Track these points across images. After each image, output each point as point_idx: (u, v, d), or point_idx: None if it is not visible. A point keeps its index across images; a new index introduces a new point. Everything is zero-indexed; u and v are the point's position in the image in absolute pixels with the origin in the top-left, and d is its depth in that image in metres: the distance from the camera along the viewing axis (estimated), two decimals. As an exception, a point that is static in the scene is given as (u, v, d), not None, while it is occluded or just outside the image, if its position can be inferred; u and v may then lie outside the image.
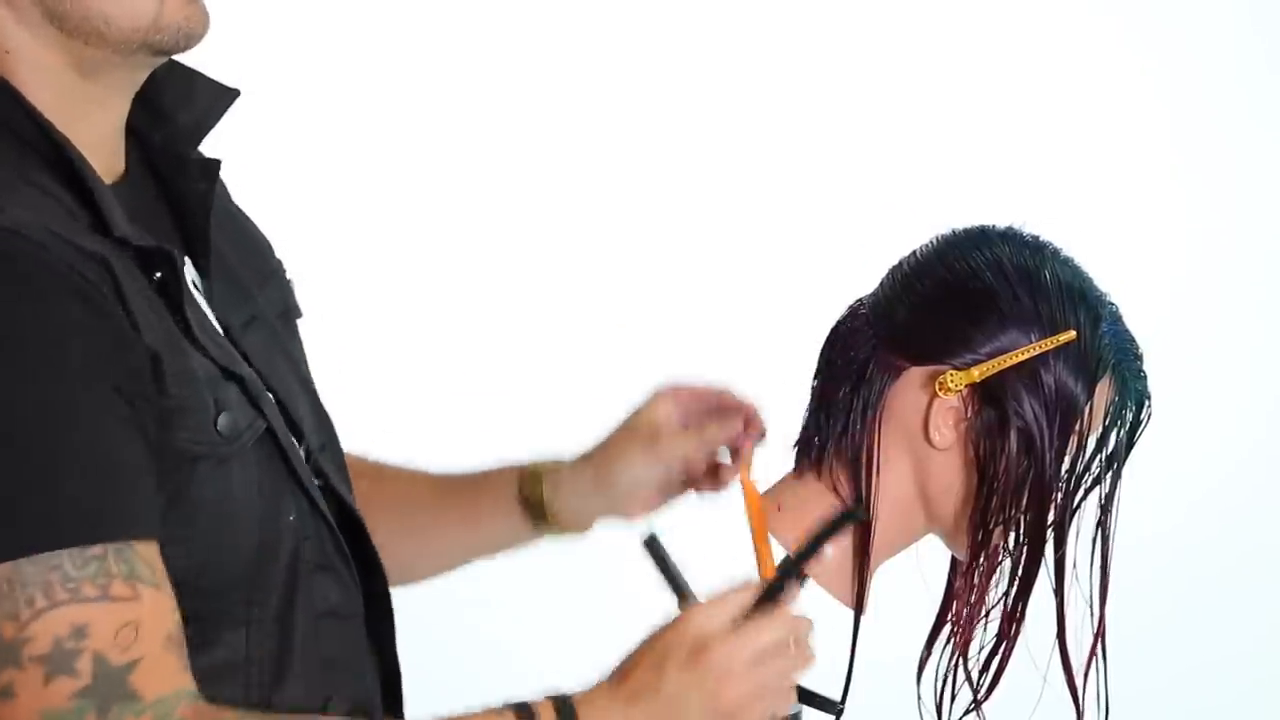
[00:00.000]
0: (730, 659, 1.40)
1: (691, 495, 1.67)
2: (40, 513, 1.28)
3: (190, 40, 1.40)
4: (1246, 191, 3.48)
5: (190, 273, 1.45)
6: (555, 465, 1.70)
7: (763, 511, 1.59)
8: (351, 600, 1.53)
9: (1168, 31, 3.44)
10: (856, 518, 1.46)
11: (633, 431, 1.65)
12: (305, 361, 1.60)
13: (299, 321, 1.63)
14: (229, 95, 1.53)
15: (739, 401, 1.64)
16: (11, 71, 1.38)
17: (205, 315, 1.44)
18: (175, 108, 1.50)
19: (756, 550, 1.56)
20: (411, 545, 1.74)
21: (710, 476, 1.65)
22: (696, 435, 1.63)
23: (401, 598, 1.63)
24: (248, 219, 1.62)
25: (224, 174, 1.61)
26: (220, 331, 1.46)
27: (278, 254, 1.64)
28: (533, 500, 1.70)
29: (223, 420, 1.40)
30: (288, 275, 1.63)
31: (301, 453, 1.49)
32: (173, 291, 1.39)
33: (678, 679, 1.40)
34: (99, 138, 1.42)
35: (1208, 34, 3.44)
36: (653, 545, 1.54)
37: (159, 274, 1.38)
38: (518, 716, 1.40)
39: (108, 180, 1.42)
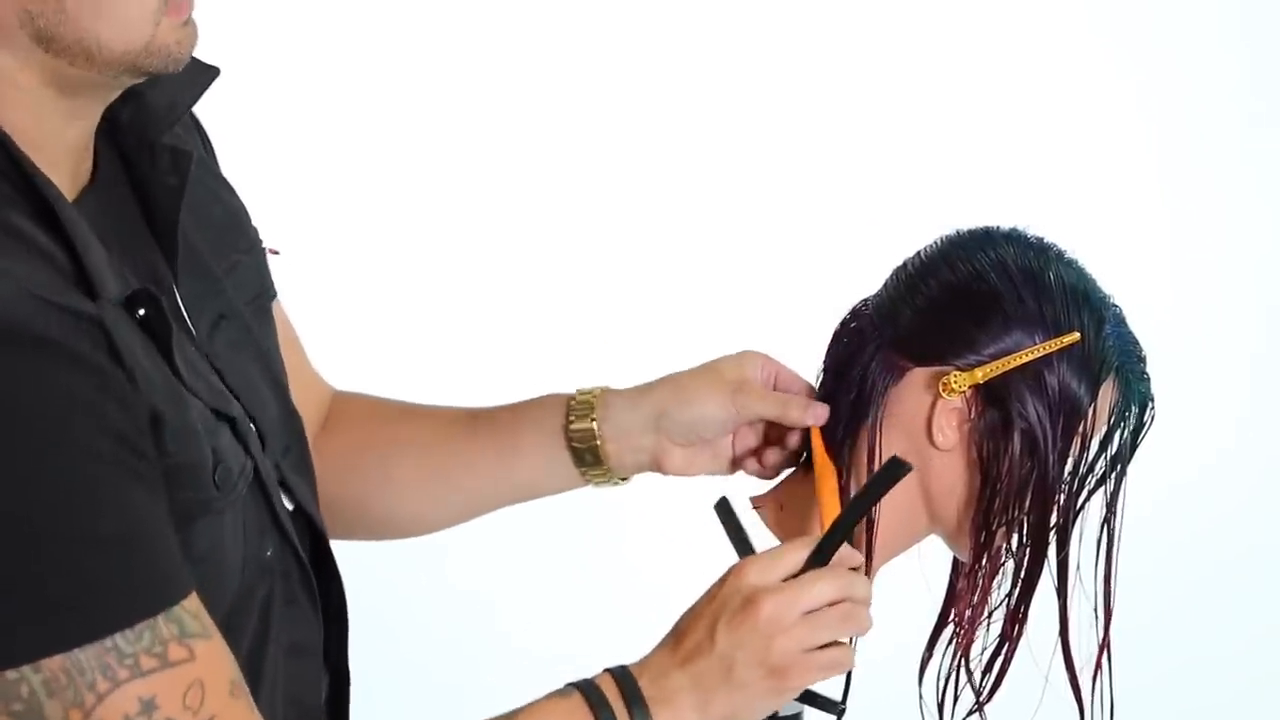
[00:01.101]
0: (780, 613, 1.38)
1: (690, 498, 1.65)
2: (83, 600, 1.24)
3: (179, 63, 1.34)
4: (1247, 193, 3.48)
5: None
6: (605, 391, 1.64)
7: (832, 470, 1.58)
8: (314, 634, 1.51)
9: (1169, 35, 3.45)
10: (906, 468, 1.44)
11: (716, 374, 1.61)
12: (276, 349, 1.55)
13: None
14: (208, 74, 1.44)
15: (814, 397, 1.62)
16: None
17: (192, 352, 1.39)
18: (146, 84, 1.40)
19: (823, 512, 1.56)
20: (437, 486, 1.68)
21: (757, 457, 1.63)
22: (779, 401, 1.60)
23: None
24: (224, 186, 1.55)
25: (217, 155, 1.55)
26: (210, 368, 1.41)
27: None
28: (580, 433, 1.63)
29: (220, 472, 1.36)
30: (264, 246, 1.57)
31: (276, 479, 1.46)
32: (159, 331, 1.34)
33: (728, 636, 1.39)
34: (71, 148, 1.36)
35: (1206, 38, 3.45)
36: (724, 508, 1.55)
37: (142, 311, 1.33)
38: (583, 695, 1.39)
39: (77, 185, 1.37)
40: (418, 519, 1.72)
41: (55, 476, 1.23)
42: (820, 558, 1.42)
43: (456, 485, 1.69)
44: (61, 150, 1.35)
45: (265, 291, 1.55)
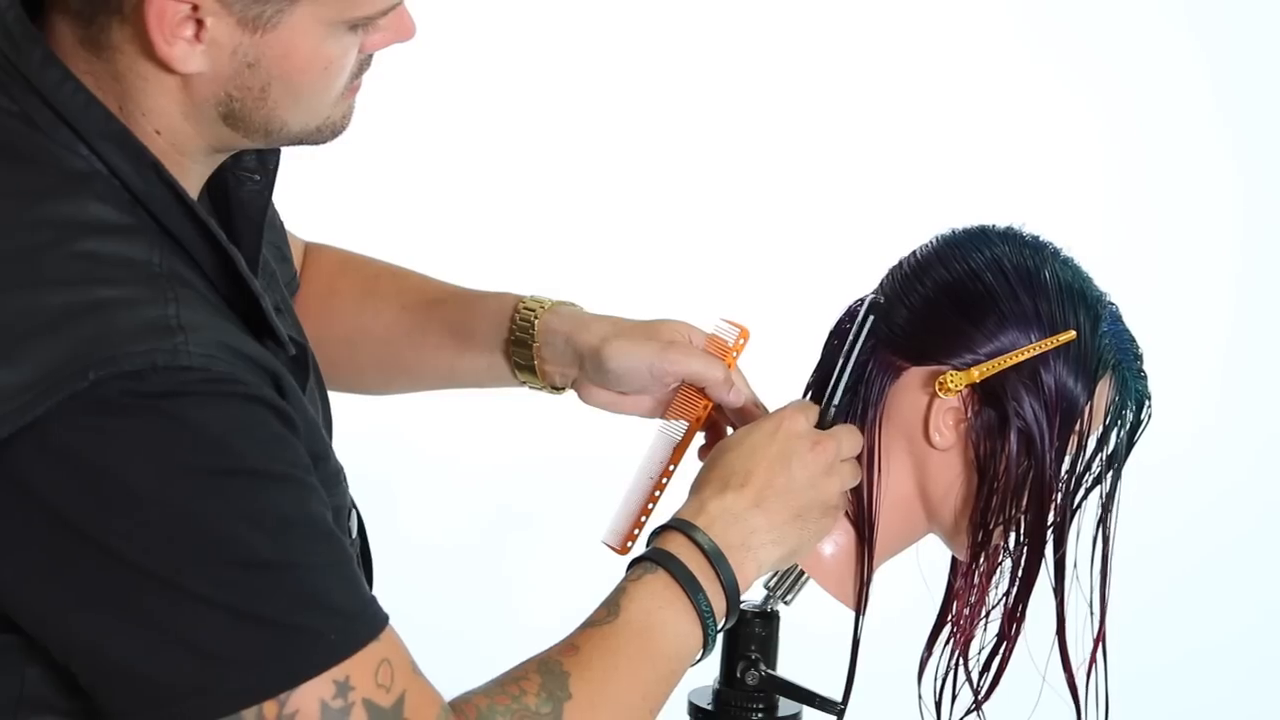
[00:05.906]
0: (833, 456, 1.50)
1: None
2: (337, 618, 1.27)
3: (337, 136, 1.36)
4: (1244, 191, 3.49)
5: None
6: (550, 312, 1.64)
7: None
8: None
9: (1164, 38, 3.45)
10: (879, 304, 1.55)
11: (651, 331, 1.61)
12: None
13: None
14: None
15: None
16: (151, 146, 1.31)
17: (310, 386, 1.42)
18: None
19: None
20: (392, 370, 1.73)
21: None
22: (705, 361, 1.59)
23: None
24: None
25: None
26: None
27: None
28: (520, 353, 1.64)
29: (353, 518, 1.39)
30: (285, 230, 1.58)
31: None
32: (299, 375, 1.37)
33: (804, 472, 1.48)
34: (200, 185, 1.38)
35: (1199, 42, 3.46)
36: (876, 309, 1.58)
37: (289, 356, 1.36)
38: (661, 566, 1.44)
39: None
40: (375, 390, 1.77)
41: (287, 505, 1.26)
42: (828, 410, 1.54)
43: (408, 370, 1.73)
44: (195, 182, 1.37)
45: (295, 280, 1.58)
